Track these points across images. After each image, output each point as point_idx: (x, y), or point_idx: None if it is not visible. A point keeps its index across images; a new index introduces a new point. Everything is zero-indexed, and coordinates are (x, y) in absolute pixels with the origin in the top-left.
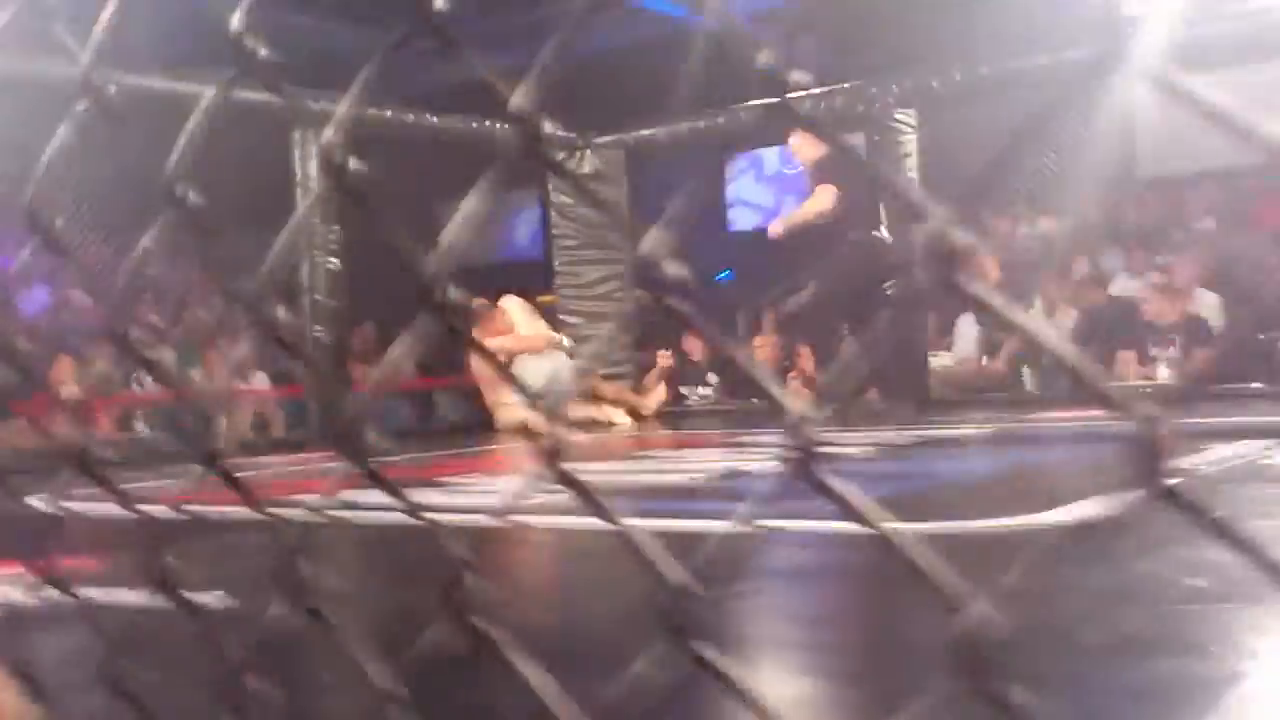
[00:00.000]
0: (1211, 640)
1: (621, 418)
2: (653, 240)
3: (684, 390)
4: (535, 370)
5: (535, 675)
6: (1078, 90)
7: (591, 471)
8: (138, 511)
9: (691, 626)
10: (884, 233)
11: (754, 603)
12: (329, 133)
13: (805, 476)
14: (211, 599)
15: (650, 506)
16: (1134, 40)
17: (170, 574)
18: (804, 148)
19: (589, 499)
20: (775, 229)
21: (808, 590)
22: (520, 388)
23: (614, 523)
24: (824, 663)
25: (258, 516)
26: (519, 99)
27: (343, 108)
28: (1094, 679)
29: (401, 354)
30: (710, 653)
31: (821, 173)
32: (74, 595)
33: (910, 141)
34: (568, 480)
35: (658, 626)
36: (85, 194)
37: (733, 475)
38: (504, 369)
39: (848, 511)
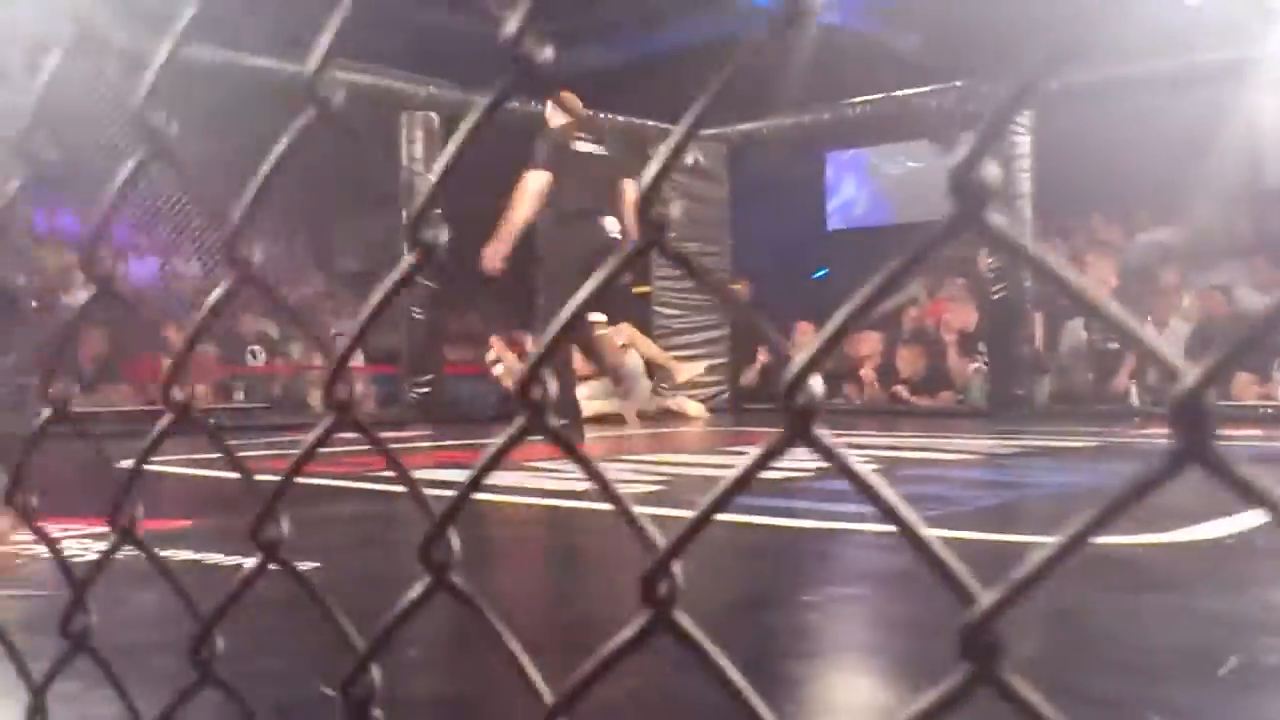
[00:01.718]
0: None
1: (696, 408)
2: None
3: None
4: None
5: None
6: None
7: (681, 464)
8: (244, 472)
9: (1000, 650)
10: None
11: (849, 608)
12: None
13: (804, 436)
14: (306, 566)
15: (743, 502)
16: (1263, 46)
17: (273, 538)
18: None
19: (866, 488)
20: (490, 263)
21: (906, 594)
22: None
23: (910, 530)
24: (915, 671)
25: (344, 486)
26: (644, 187)
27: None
28: (1233, 712)
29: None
30: (1024, 687)
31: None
32: (156, 553)
33: (1024, 143)
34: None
35: (962, 649)
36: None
37: (825, 475)
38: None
39: (848, 478)
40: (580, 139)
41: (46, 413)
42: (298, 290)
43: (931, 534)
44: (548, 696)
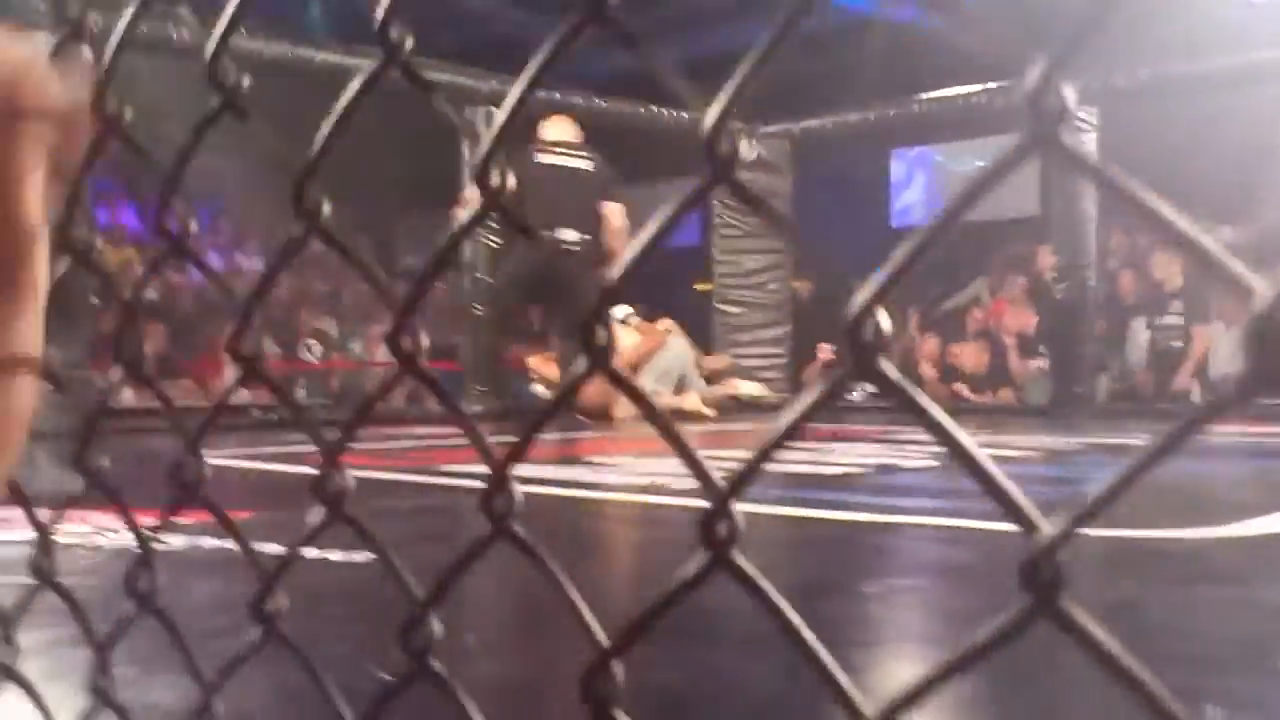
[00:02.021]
0: None
1: (708, 409)
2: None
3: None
4: (663, 360)
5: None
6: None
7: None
8: (307, 423)
9: (1061, 582)
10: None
11: (908, 599)
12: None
13: (869, 371)
14: (360, 558)
15: (803, 495)
16: None
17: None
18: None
19: (932, 422)
20: None
21: (959, 587)
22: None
23: (974, 461)
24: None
25: (403, 480)
26: (711, 121)
27: (513, 97)
28: None
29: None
30: (1084, 618)
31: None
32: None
33: (1090, 140)
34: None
35: (1022, 582)
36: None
37: (886, 470)
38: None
39: (913, 410)
40: (549, 151)
41: (118, 373)
42: (356, 287)
43: (995, 466)
44: (603, 639)
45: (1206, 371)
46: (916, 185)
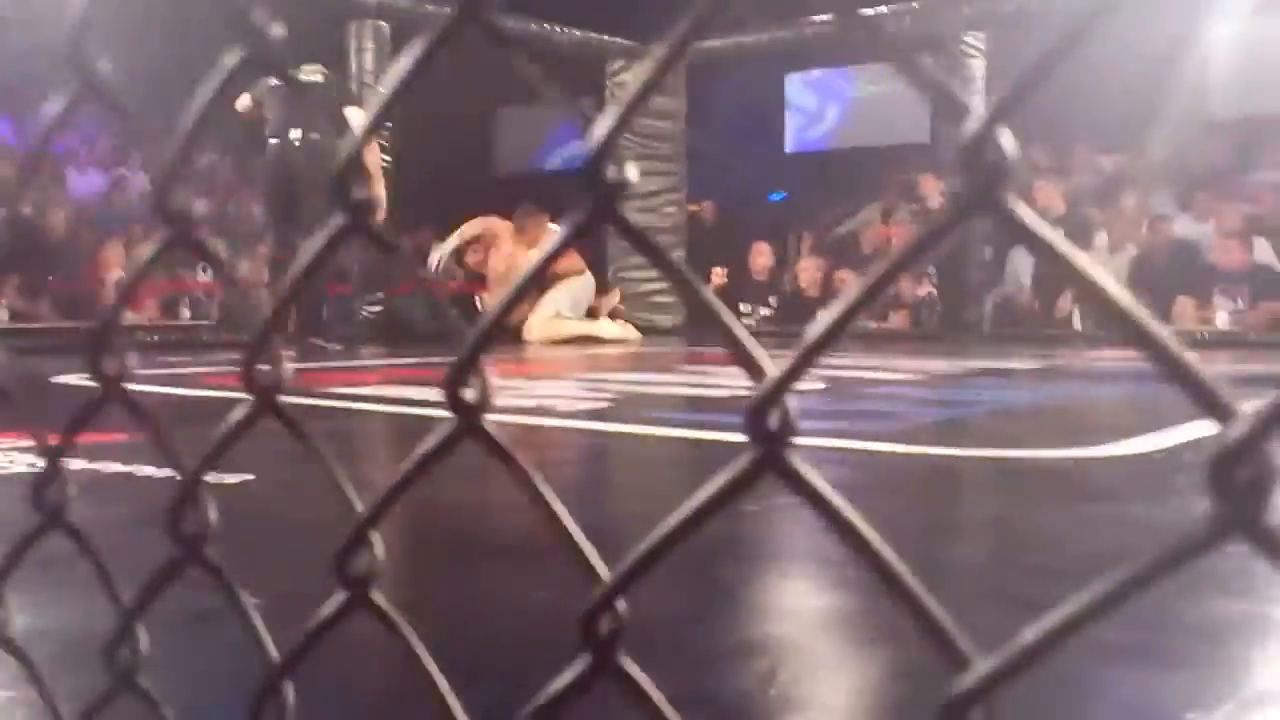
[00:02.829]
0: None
1: (623, 331)
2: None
3: (743, 308)
4: (565, 290)
5: None
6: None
7: (640, 382)
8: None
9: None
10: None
11: (794, 515)
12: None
13: (777, 466)
14: (235, 480)
15: (693, 418)
16: None
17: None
18: None
19: (846, 526)
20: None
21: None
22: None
23: (898, 580)
24: (854, 578)
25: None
26: (596, 143)
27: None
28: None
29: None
30: None
31: None
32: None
33: (978, 66)
34: None
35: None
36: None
37: None
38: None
39: (823, 511)
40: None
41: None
42: (245, 206)
43: (916, 583)
44: (605, 576)
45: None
46: (809, 110)
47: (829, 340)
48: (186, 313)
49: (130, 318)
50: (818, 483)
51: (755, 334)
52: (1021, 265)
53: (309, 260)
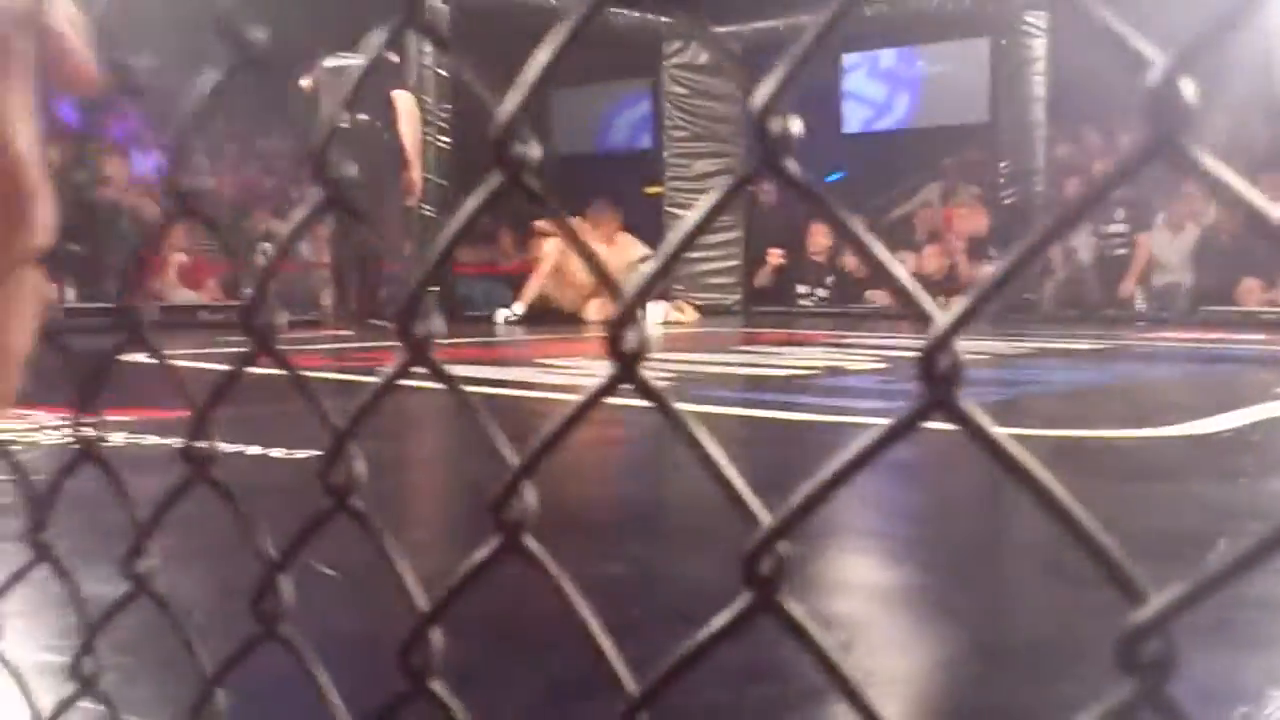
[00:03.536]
0: None
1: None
2: (766, 94)
3: (800, 289)
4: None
5: None
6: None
7: (696, 362)
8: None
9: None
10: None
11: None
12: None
13: (945, 407)
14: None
15: (750, 397)
16: None
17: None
18: None
19: (1015, 465)
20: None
21: (902, 482)
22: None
23: (1077, 524)
24: (915, 554)
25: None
26: (763, 99)
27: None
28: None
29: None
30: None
31: None
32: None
33: (1039, 46)
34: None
35: (1121, 662)
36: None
37: (834, 373)
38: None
39: (994, 452)
40: (334, 55)
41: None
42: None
43: (1091, 519)
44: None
45: (1150, 278)
46: (868, 91)
47: (999, 289)
48: (248, 292)
49: (190, 297)
50: (987, 424)
51: (813, 314)
52: (1084, 246)
53: (464, 219)
